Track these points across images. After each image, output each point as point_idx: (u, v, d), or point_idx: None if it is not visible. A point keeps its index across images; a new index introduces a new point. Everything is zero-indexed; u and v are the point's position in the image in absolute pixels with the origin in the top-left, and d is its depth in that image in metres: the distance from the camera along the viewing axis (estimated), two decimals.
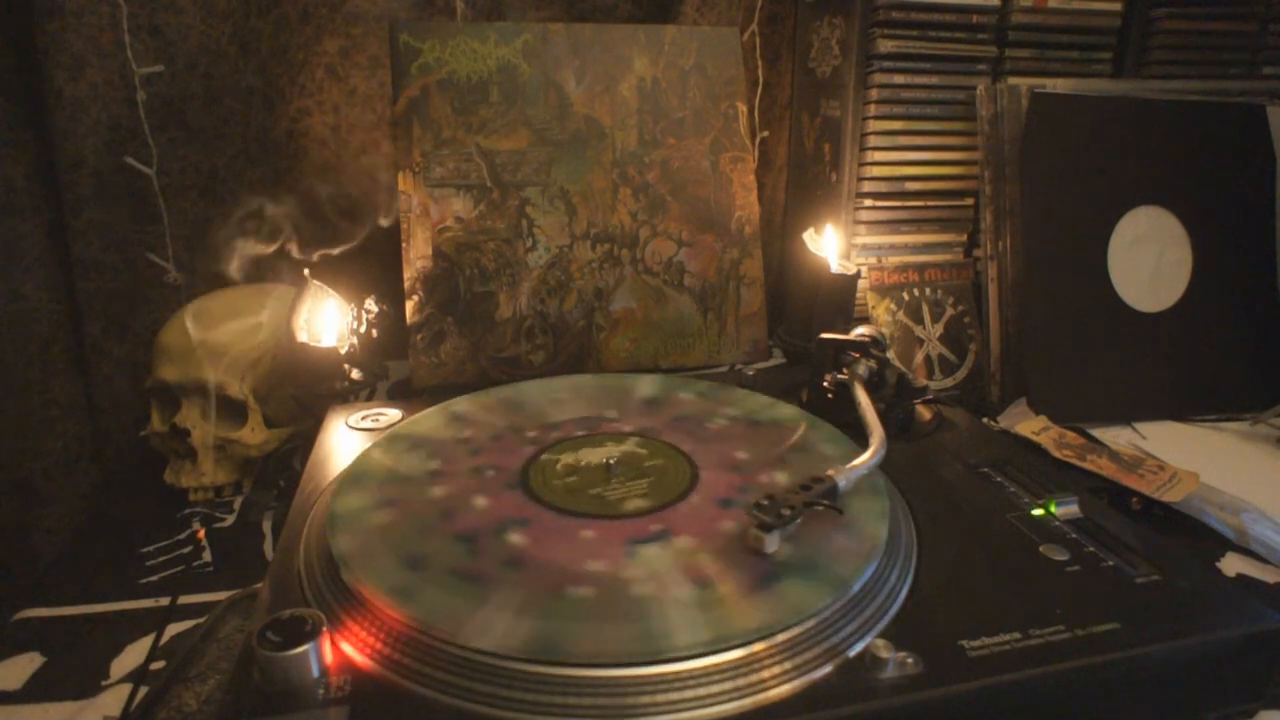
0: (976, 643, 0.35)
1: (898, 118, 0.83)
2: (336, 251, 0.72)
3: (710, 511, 0.44)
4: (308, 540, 0.43)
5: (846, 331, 0.61)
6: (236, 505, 0.61)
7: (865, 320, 0.82)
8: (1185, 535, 0.55)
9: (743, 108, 0.85)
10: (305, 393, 0.63)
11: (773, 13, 0.93)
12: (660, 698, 0.32)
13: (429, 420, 0.56)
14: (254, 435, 0.62)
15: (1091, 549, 0.42)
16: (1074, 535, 0.44)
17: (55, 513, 0.80)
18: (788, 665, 0.33)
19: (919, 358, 0.81)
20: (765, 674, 0.33)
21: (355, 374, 0.64)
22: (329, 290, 0.65)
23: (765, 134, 0.97)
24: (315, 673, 0.33)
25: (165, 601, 0.49)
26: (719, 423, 0.56)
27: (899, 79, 0.81)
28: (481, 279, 0.77)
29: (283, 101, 0.81)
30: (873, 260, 0.85)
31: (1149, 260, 0.77)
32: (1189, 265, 0.77)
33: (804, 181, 0.94)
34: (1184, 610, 0.38)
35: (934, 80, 0.82)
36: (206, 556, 0.55)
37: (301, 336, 0.62)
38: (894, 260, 0.85)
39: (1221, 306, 0.78)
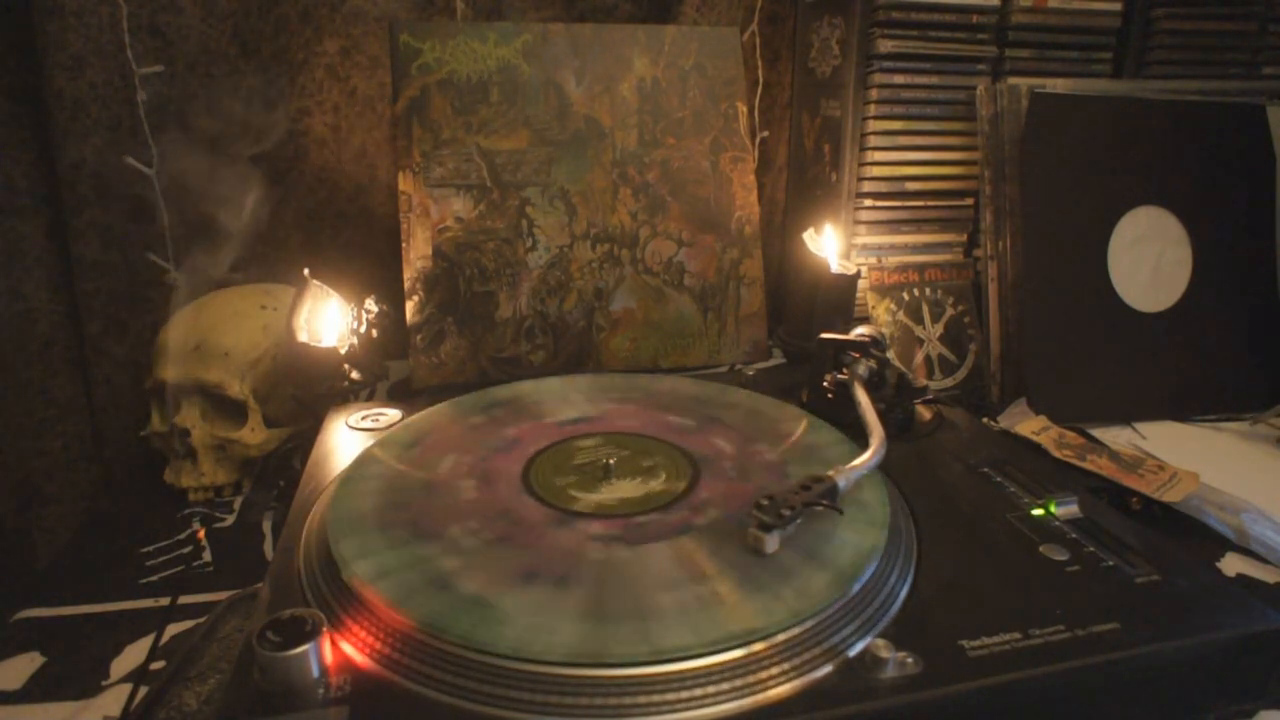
0: (976, 643, 0.35)
1: (898, 118, 0.83)
2: None
3: (710, 511, 0.44)
4: (308, 540, 0.43)
5: (846, 331, 0.60)
6: (236, 505, 0.61)
7: (865, 320, 0.82)
8: (1185, 535, 0.55)
9: (743, 108, 0.85)
10: (305, 393, 0.63)
11: (773, 13, 0.93)
12: (660, 698, 0.32)
13: (429, 420, 0.56)
14: (254, 435, 0.62)
15: (1091, 549, 0.42)
16: (1074, 535, 0.44)
17: (55, 513, 0.80)
18: (788, 665, 0.33)
19: (919, 358, 0.81)
20: (765, 674, 0.33)
21: (355, 374, 0.64)
22: (329, 290, 0.65)
23: (765, 134, 0.97)
24: (315, 673, 0.33)
25: (165, 601, 0.49)
26: (719, 423, 0.55)
27: (899, 79, 0.81)
28: (481, 279, 0.77)
29: (283, 101, 0.81)
30: (873, 260, 0.85)
31: (1149, 260, 0.77)
32: (1189, 265, 0.77)
33: (804, 181, 0.94)
34: (1184, 610, 0.38)
35: (934, 80, 0.82)
36: (206, 556, 0.55)
37: (301, 336, 0.62)
38: (894, 260, 0.85)
39: (1221, 306, 0.78)
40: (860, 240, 0.86)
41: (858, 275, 0.78)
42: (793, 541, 0.41)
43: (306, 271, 0.64)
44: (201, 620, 0.47)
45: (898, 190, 0.85)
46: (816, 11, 0.88)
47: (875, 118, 0.82)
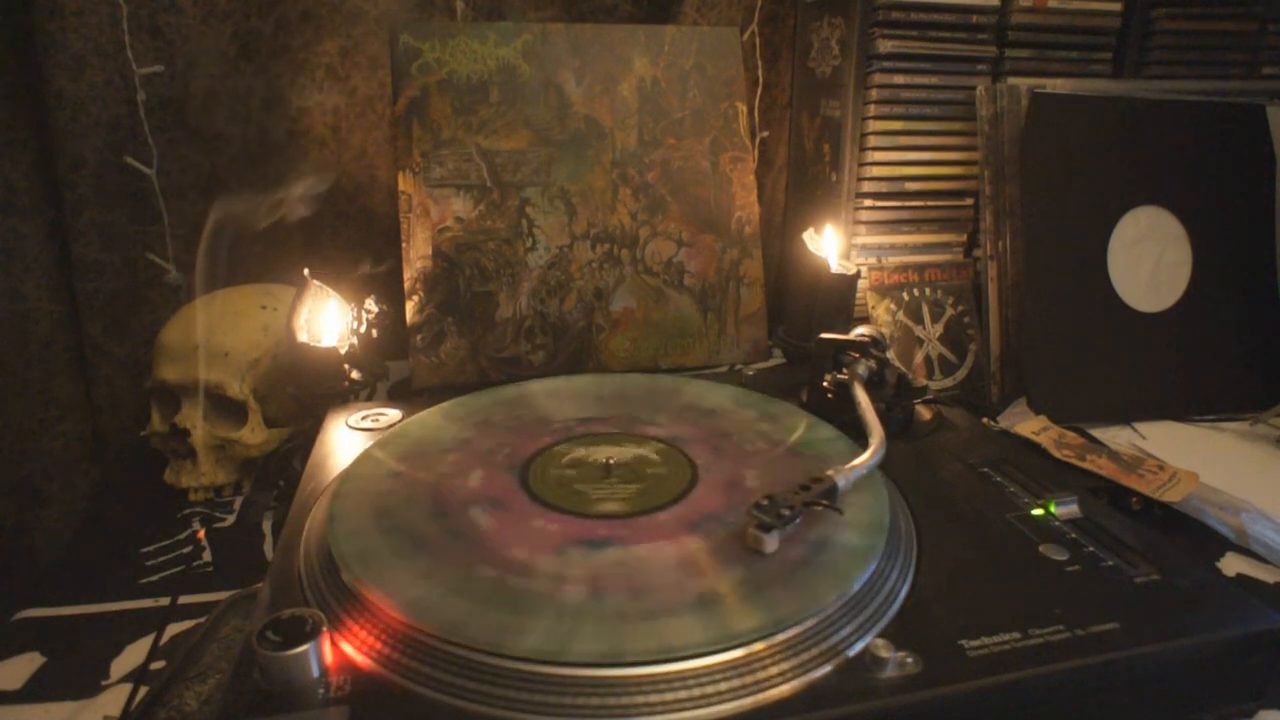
0: (976, 642, 0.35)
1: (898, 118, 0.83)
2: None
3: (710, 511, 0.44)
4: (308, 540, 0.43)
5: (846, 331, 0.61)
6: (236, 505, 0.61)
7: (865, 320, 0.82)
8: (1185, 535, 0.55)
9: (743, 108, 0.85)
10: (305, 393, 0.63)
11: (773, 13, 0.93)
12: (660, 697, 0.32)
13: (428, 420, 0.56)
14: (254, 435, 0.62)
15: (1091, 549, 0.42)
16: (1074, 535, 0.44)
17: (55, 513, 0.80)
18: (788, 665, 0.33)
19: (919, 358, 0.81)
20: (765, 674, 0.33)
21: (355, 374, 0.64)
22: (329, 290, 0.65)
23: (765, 134, 0.97)
24: (315, 673, 0.33)
25: (165, 601, 0.49)
26: (719, 422, 0.56)
27: (899, 79, 0.81)
28: (481, 279, 0.77)
29: (282, 102, 0.81)
30: (873, 260, 0.85)
31: (1149, 260, 0.77)
32: (1189, 265, 0.77)
33: (804, 181, 0.94)
34: (1184, 610, 0.38)
35: (934, 80, 0.82)
36: (206, 556, 0.55)
37: (301, 336, 0.62)
38: (894, 260, 0.85)
39: (1221, 306, 0.78)
40: (860, 240, 0.86)
41: (858, 275, 0.78)
42: (792, 541, 0.41)
43: (306, 271, 0.64)
44: (201, 620, 0.47)
45: (897, 190, 0.85)
46: (816, 11, 0.88)
47: (875, 118, 0.82)
